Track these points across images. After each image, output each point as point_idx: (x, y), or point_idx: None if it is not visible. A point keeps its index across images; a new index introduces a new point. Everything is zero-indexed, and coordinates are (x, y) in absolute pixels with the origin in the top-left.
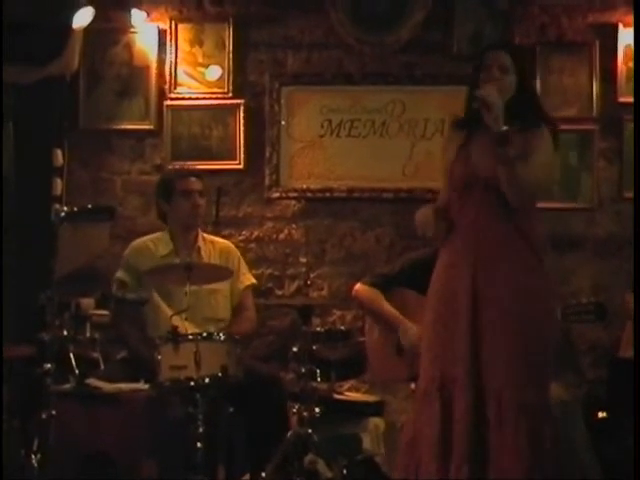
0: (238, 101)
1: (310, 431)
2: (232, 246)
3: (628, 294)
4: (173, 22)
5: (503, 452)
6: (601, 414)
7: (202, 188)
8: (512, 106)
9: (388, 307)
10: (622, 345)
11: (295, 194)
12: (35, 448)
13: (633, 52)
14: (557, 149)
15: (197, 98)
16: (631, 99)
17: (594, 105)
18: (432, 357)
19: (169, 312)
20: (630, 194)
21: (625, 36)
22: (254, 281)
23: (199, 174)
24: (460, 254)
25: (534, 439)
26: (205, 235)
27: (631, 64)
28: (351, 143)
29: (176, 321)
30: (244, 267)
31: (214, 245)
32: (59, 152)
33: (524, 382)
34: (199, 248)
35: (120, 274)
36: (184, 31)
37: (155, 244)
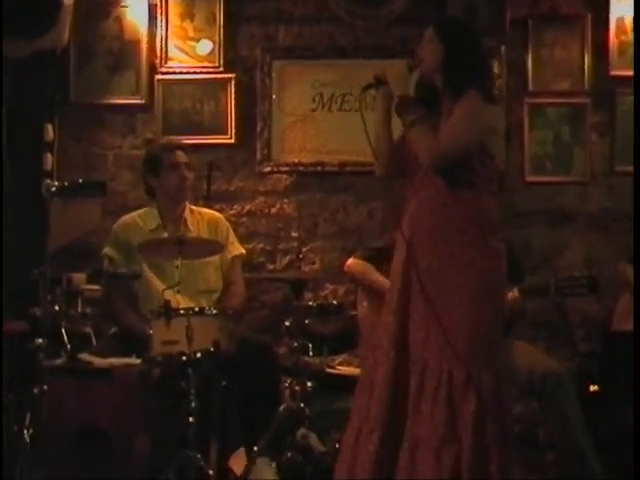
0: (229, 75)
1: (302, 405)
2: (221, 217)
3: (622, 264)
4: None
5: (418, 421)
6: (593, 387)
7: (189, 161)
8: (443, 74)
9: (380, 278)
10: (615, 317)
11: (287, 168)
12: (27, 423)
13: (633, 37)
14: (495, 104)
15: (188, 72)
16: (623, 72)
17: (586, 78)
18: (376, 323)
19: (161, 287)
20: (622, 167)
21: (617, 9)
22: (243, 251)
23: (185, 147)
24: (405, 226)
25: (453, 411)
26: (193, 207)
27: (623, 37)
28: (343, 117)
29: (168, 295)
30: (233, 237)
31: (202, 216)
32: (50, 127)
33: (451, 354)
34: (185, 220)
35: (107, 249)
36: (175, 5)
37: (143, 219)
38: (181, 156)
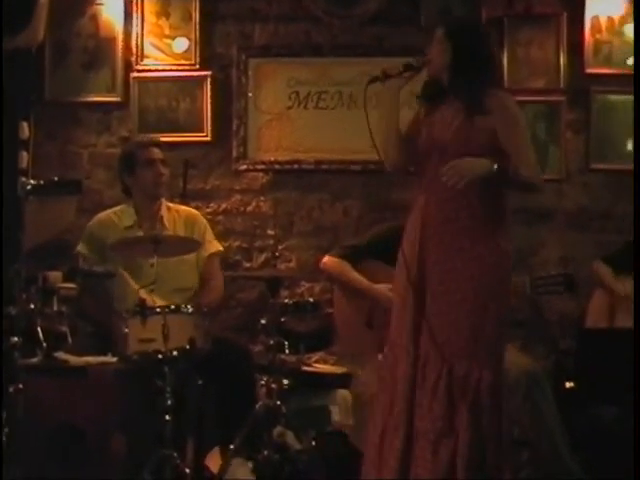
0: (205, 73)
1: (279, 403)
2: (198, 214)
3: (596, 263)
4: None
5: (419, 414)
6: (569, 384)
7: (164, 157)
8: (451, 74)
9: (357, 276)
10: (588, 315)
11: (263, 166)
12: (3, 422)
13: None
14: None
15: (164, 70)
16: (598, 70)
17: (561, 77)
18: (392, 320)
19: (136, 285)
20: (597, 165)
21: (592, 7)
22: (220, 248)
23: (160, 144)
24: (415, 225)
25: (452, 406)
26: (170, 204)
27: (598, 36)
28: (319, 115)
29: (143, 294)
30: (210, 234)
31: (179, 213)
32: (25, 125)
33: (453, 349)
34: (162, 217)
35: (80, 247)
36: (150, 3)
37: (118, 216)
38: (156, 152)
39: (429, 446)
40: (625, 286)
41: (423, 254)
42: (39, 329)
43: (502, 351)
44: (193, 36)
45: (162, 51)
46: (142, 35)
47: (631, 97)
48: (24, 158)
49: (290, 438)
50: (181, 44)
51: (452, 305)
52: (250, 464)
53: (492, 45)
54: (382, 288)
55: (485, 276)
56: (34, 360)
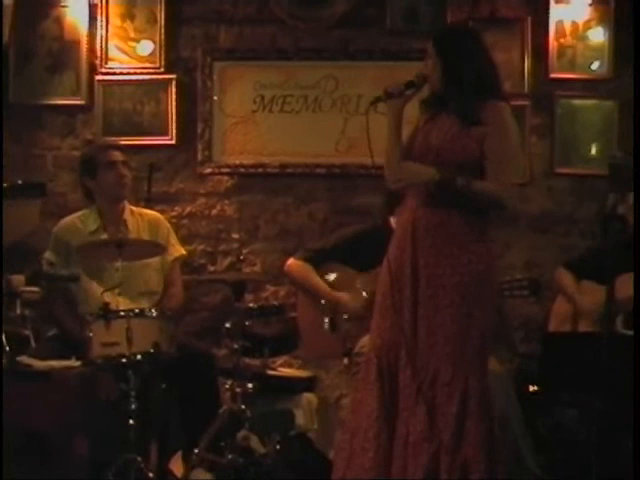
0: (170, 76)
1: (243, 407)
2: (162, 218)
3: (559, 271)
4: None
5: (401, 418)
6: (532, 388)
7: (125, 159)
8: (445, 88)
9: (319, 281)
10: (552, 319)
11: (228, 170)
12: None
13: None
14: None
15: (129, 73)
16: (562, 75)
17: (526, 81)
18: (377, 325)
19: (100, 289)
20: (561, 169)
21: (557, 12)
22: (184, 252)
23: (121, 147)
24: (406, 228)
25: (436, 410)
26: (133, 208)
27: (562, 40)
28: (284, 119)
29: (108, 297)
30: (174, 238)
31: (142, 217)
32: None
33: (438, 354)
34: (125, 221)
35: (48, 254)
36: (115, 5)
37: (83, 221)
38: (117, 155)
39: (409, 449)
40: (586, 297)
41: (414, 258)
42: (2, 333)
43: (487, 357)
44: (158, 39)
45: (127, 54)
46: (107, 38)
47: (595, 101)
48: None
49: (254, 442)
50: (146, 47)
51: (439, 310)
52: (210, 476)
53: (487, 54)
54: (342, 295)
55: (473, 283)
56: None
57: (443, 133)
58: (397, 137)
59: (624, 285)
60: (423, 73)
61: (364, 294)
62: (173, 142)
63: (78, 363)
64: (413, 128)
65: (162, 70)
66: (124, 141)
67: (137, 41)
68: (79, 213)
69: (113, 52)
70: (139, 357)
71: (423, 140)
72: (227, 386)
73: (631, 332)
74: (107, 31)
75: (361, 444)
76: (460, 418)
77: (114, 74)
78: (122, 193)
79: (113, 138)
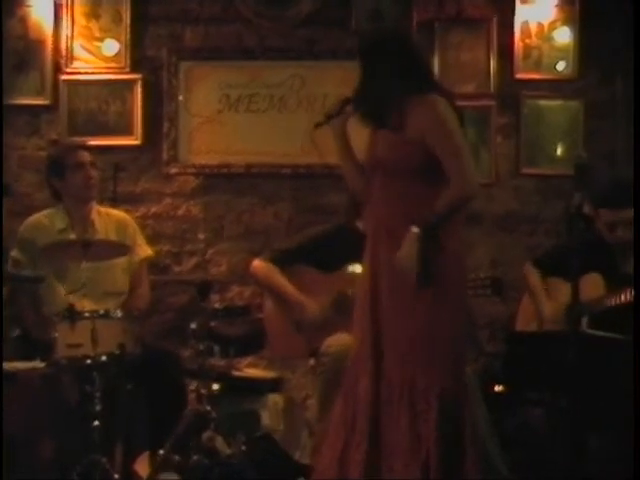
0: (135, 76)
1: (208, 408)
2: (128, 218)
3: (527, 266)
4: None
5: (388, 428)
6: (498, 387)
7: (93, 160)
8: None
9: (285, 283)
10: (519, 318)
11: (193, 170)
12: None
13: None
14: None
15: (94, 73)
16: (528, 75)
17: (491, 81)
18: (354, 334)
19: (66, 289)
20: (527, 170)
21: (522, 13)
22: (150, 253)
23: (88, 147)
24: (367, 234)
25: (417, 418)
26: (100, 208)
27: (528, 40)
28: (250, 118)
29: (74, 298)
30: (140, 239)
31: (110, 217)
32: None
33: (412, 361)
34: (93, 221)
35: (15, 253)
36: (80, 4)
37: (50, 219)
38: (85, 155)
39: (400, 459)
40: (552, 294)
41: (376, 270)
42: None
43: (462, 359)
44: (123, 38)
45: (92, 53)
46: (72, 37)
47: (560, 102)
48: None
49: (219, 443)
50: (111, 46)
51: (408, 317)
52: (176, 477)
53: (414, 50)
54: (304, 300)
55: (441, 286)
56: None
57: (386, 144)
58: (347, 154)
59: (589, 286)
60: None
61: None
62: (138, 142)
63: (43, 364)
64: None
65: (127, 70)
66: (89, 141)
67: (102, 41)
68: (46, 212)
69: (78, 52)
70: (104, 358)
71: (370, 154)
72: (192, 387)
73: (597, 332)
74: (72, 30)
75: (353, 455)
76: (443, 422)
77: (79, 74)
78: (90, 194)
79: (78, 138)
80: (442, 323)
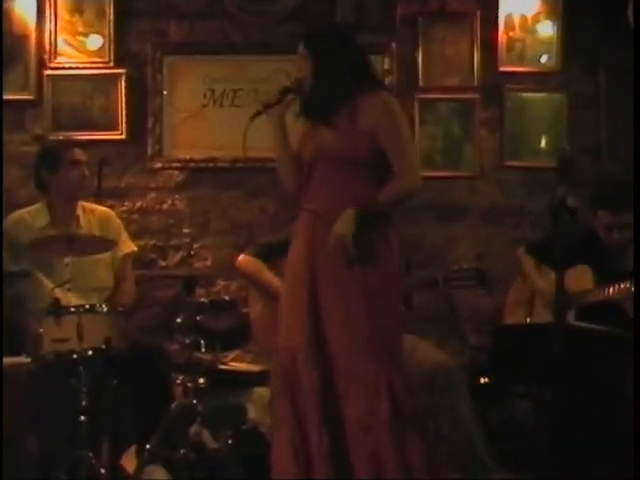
0: (120, 71)
1: (195, 402)
2: (112, 214)
3: (520, 252)
4: None
5: (340, 420)
6: (483, 379)
7: (87, 159)
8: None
9: (271, 277)
10: (507, 308)
11: (178, 164)
12: None
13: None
14: None
15: (78, 68)
16: (511, 68)
17: (475, 74)
18: (282, 327)
19: (50, 285)
20: (511, 162)
21: (506, 6)
22: (134, 248)
23: (84, 145)
24: (302, 227)
25: (368, 409)
26: (85, 204)
27: (512, 34)
28: (234, 113)
29: (58, 293)
30: (124, 235)
31: (94, 213)
32: None
33: (360, 352)
34: (78, 218)
35: None
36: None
37: (32, 216)
38: (80, 154)
39: (355, 449)
40: (545, 280)
41: (314, 265)
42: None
43: (400, 347)
44: (107, 33)
45: (76, 48)
46: (55, 32)
47: (544, 94)
48: None
49: (206, 437)
50: (95, 41)
51: (348, 310)
52: (163, 471)
53: (360, 49)
54: None
55: (378, 277)
56: None
57: (332, 136)
58: (284, 145)
59: (575, 278)
60: (298, 77)
61: None
62: (123, 137)
63: (28, 360)
64: (301, 135)
65: (111, 65)
66: (74, 136)
67: (86, 35)
68: (29, 208)
69: (62, 47)
70: (90, 353)
71: (313, 145)
72: (179, 381)
73: (583, 324)
74: (56, 25)
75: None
76: (394, 413)
77: (63, 69)
78: (81, 192)
79: (63, 133)
80: (380, 312)
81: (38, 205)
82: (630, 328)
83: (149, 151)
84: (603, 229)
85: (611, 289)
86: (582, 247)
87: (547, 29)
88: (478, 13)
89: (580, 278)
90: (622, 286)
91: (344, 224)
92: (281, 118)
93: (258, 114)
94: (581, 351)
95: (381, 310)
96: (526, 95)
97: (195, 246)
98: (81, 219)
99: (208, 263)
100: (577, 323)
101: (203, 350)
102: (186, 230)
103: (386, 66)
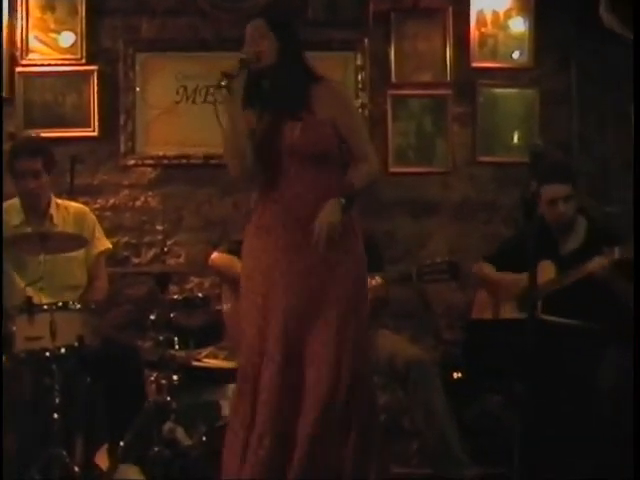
0: (92, 67)
1: (169, 399)
2: (87, 210)
3: (479, 265)
4: None
5: (295, 420)
6: (457, 374)
7: (39, 167)
8: (281, 70)
9: None
10: (475, 307)
11: (151, 161)
12: None
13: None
14: None
15: (50, 65)
16: (483, 64)
17: (448, 70)
18: (249, 326)
19: (23, 282)
20: (483, 158)
21: (477, 2)
22: (109, 246)
23: (39, 148)
24: (271, 224)
25: (327, 411)
26: (59, 201)
27: (484, 29)
28: (207, 109)
29: (31, 292)
30: (99, 232)
31: (68, 210)
32: None
33: (320, 356)
34: (51, 216)
35: None
36: None
37: (8, 213)
38: (26, 163)
39: (306, 450)
40: (511, 277)
41: (282, 261)
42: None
43: (367, 353)
44: (79, 30)
45: (48, 45)
46: (27, 29)
47: (516, 90)
48: None
49: (180, 434)
50: (67, 38)
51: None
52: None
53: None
54: None
55: (345, 283)
56: None
57: (299, 129)
58: (241, 121)
59: (542, 272)
60: (256, 50)
61: None
62: (95, 134)
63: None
64: (254, 128)
65: (83, 61)
66: (46, 133)
67: (58, 32)
68: (4, 204)
69: (34, 44)
70: (63, 351)
71: (278, 139)
72: (152, 378)
73: (553, 318)
74: (27, 22)
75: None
76: (354, 416)
77: (35, 66)
78: (33, 202)
79: (35, 130)
80: (348, 319)
81: (14, 200)
82: (612, 300)
83: (122, 148)
84: (548, 206)
85: (569, 278)
86: (541, 241)
87: (519, 25)
88: (450, 9)
89: (542, 272)
90: (601, 260)
91: (331, 213)
92: (240, 91)
93: (220, 86)
94: (554, 345)
95: (351, 295)
96: (498, 91)
97: (168, 243)
98: (55, 217)
99: (181, 260)
100: (550, 318)
101: (177, 347)
102: (159, 227)
103: (359, 62)
